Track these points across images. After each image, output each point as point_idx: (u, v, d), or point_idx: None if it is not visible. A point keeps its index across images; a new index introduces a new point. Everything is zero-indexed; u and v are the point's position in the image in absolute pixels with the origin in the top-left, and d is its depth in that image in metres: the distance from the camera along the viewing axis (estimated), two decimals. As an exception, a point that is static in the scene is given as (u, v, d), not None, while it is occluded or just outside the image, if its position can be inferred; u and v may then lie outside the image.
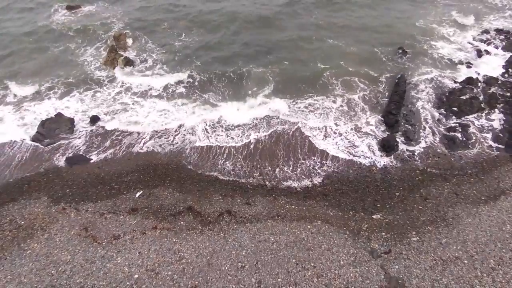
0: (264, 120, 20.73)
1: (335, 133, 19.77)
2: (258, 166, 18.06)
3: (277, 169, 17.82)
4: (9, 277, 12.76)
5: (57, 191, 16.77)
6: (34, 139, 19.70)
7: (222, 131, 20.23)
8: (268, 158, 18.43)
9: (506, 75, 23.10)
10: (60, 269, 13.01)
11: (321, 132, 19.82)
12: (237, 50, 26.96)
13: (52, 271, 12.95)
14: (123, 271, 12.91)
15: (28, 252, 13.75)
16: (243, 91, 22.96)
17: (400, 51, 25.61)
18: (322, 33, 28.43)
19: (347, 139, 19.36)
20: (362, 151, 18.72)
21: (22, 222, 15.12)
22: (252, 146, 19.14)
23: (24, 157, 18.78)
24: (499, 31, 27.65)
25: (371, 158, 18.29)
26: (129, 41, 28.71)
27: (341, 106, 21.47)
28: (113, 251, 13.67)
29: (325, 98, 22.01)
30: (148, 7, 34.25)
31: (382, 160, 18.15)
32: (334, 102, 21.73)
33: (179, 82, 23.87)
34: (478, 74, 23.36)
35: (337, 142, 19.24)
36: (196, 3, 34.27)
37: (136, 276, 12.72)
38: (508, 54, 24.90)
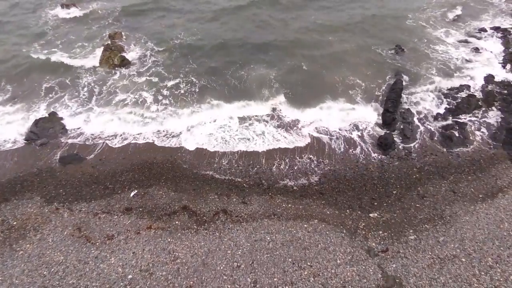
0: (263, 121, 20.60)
1: (331, 131, 19.65)
2: (255, 164, 17.87)
3: (274, 168, 17.65)
4: (0, 278, 12.52)
5: (50, 191, 16.52)
6: (27, 138, 19.43)
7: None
8: (264, 157, 18.25)
9: (503, 73, 23.01)
10: (52, 270, 12.78)
11: (316, 130, 19.70)
12: (235, 51, 26.58)
13: (45, 272, 12.72)
14: (117, 271, 12.70)
15: (20, 253, 13.52)
16: (243, 95, 22.25)
17: (397, 49, 25.50)
18: (319, 33, 28.26)
19: (344, 138, 19.21)
20: (359, 149, 18.57)
21: (15, 223, 14.87)
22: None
23: (17, 157, 18.49)
24: (496, 28, 27.61)
25: (368, 156, 18.13)
26: (125, 40, 28.48)
27: (337, 104, 21.31)
28: (106, 252, 13.45)
29: (321, 97, 21.77)
30: (145, 6, 34.02)
31: (380, 158, 18.00)
32: (330, 100, 21.53)
33: (173, 87, 22.98)
34: (475, 71, 23.27)
35: (333, 140, 19.08)
36: (195, 2, 34.06)
37: (130, 276, 12.51)
38: (505, 52, 24.83)
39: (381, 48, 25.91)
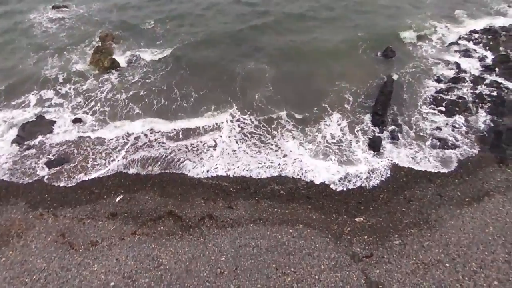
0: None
1: (322, 137, 19.62)
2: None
3: (261, 171, 17.57)
4: (-19, 286, 12.42)
5: (35, 196, 16.38)
6: (13, 142, 19.25)
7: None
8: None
9: (493, 75, 23.02)
10: (34, 277, 12.67)
11: (307, 137, 19.69)
12: (228, 49, 26.49)
13: (26, 280, 12.61)
14: (99, 278, 12.60)
15: (3, 260, 13.39)
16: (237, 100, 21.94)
17: (388, 51, 25.44)
18: (309, 34, 28.22)
19: (333, 142, 19.17)
20: (348, 152, 18.54)
21: (-2, 229, 14.74)
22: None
23: (2, 161, 18.31)
24: (486, 30, 27.63)
25: (357, 160, 18.10)
26: (116, 42, 28.27)
27: (327, 108, 21.25)
28: (90, 258, 13.34)
29: (315, 101, 21.63)
30: (136, 7, 33.86)
31: (368, 161, 17.95)
32: (321, 105, 21.45)
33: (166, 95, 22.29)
34: (465, 73, 23.29)
35: (323, 145, 19.05)
36: (188, 4, 33.88)
37: (112, 283, 12.42)
38: (495, 54, 24.83)
39: (371, 50, 25.84)
